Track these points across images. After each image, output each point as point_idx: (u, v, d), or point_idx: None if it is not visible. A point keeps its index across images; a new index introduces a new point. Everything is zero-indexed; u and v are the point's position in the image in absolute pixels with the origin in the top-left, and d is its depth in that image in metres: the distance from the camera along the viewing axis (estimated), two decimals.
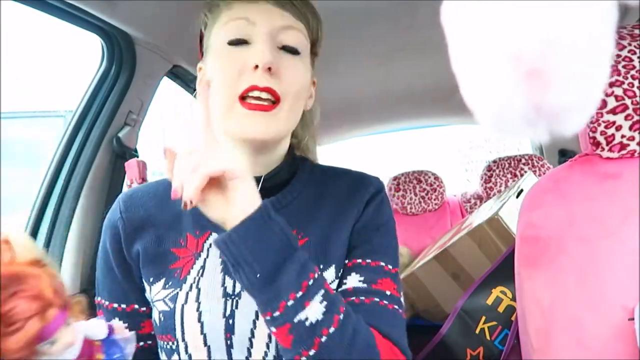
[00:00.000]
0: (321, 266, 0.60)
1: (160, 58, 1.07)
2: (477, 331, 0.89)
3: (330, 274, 0.60)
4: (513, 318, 0.86)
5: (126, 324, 0.60)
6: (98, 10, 0.83)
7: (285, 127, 0.59)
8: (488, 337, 0.88)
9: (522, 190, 1.20)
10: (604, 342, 0.56)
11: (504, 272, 0.89)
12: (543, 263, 0.62)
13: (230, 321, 0.57)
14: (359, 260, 0.60)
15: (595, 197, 0.62)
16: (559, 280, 0.60)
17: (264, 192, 0.58)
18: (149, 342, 0.64)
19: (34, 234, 0.96)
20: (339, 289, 0.60)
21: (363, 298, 0.57)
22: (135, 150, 1.06)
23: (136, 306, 0.63)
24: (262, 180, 0.62)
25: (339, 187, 0.66)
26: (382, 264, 0.60)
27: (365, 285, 0.58)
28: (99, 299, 0.64)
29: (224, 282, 0.59)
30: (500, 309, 0.88)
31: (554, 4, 0.17)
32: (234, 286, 0.59)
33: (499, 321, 0.88)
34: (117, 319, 0.62)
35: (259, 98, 0.56)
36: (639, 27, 0.64)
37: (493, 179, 2.12)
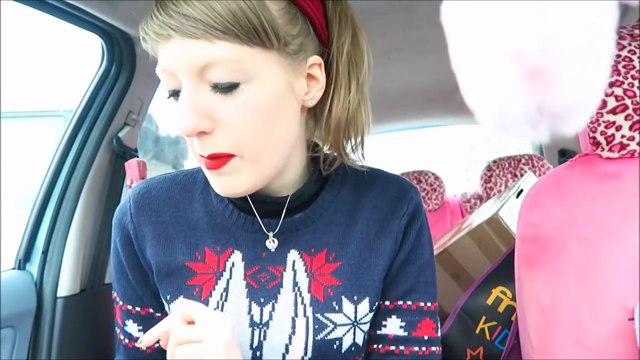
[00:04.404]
0: (355, 297, 0.56)
1: None
2: (477, 331, 0.89)
3: (364, 306, 0.57)
4: (513, 318, 0.86)
5: (140, 327, 0.60)
6: (98, 10, 0.83)
7: (258, 175, 0.48)
8: (488, 337, 0.88)
9: (522, 190, 1.20)
10: (604, 342, 0.56)
11: (504, 272, 0.89)
12: (543, 263, 0.62)
13: (258, 353, 0.54)
14: (400, 303, 0.59)
15: (595, 197, 0.62)
16: (559, 280, 0.60)
17: (291, 212, 0.56)
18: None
19: (34, 234, 0.96)
20: (378, 332, 0.60)
21: (403, 348, 0.58)
22: (136, 150, 1.07)
23: (151, 310, 0.60)
24: (287, 201, 0.55)
25: (374, 200, 0.59)
26: (422, 304, 0.60)
27: (405, 333, 0.59)
28: (114, 294, 0.61)
29: (250, 310, 0.55)
30: (500, 309, 0.88)
31: (554, 3, 0.17)
32: (261, 314, 0.55)
33: (499, 321, 0.88)
34: (131, 320, 0.60)
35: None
36: (639, 27, 0.64)
37: (493, 179, 2.12)
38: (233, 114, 0.45)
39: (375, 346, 0.60)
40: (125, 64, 0.99)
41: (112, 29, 0.92)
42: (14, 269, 0.96)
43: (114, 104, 0.99)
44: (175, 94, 0.48)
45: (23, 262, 0.95)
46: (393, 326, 0.59)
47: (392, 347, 0.59)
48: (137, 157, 1.04)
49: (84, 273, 0.97)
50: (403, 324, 0.59)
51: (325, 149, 0.58)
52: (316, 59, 0.52)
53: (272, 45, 0.46)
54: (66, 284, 0.94)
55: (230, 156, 0.46)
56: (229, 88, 0.45)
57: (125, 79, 0.99)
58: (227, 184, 0.48)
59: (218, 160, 0.46)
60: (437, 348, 0.60)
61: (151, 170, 1.03)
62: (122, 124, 1.02)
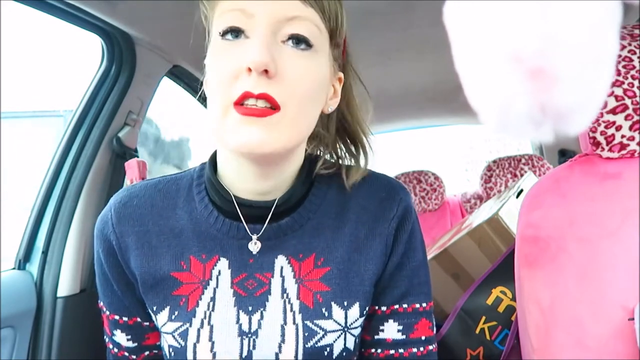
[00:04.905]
0: (345, 303, 0.56)
1: (160, 58, 1.07)
2: (477, 331, 0.89)
3: (354, 311, 0.56)
4: (513, 318, 0.86)
5: (129, 336, 0.59)
6: (98, 10, 0.83)
7: (289, 138, 0.48)
8: (488, 337, 0.88)
9: (522, 190, 1.20)
10: (604, 342, 0.56)
11: (504, 272, 0.89)
12: (543, 263, 0.62)
13: None
14: (396, 307, 0.59)
15: (595, 197, 0.62)
16: (559, 280, 0.60)
17: (278, 217, 0.55)
18: (155, 351, 0.62)
19: (34, 234, 0.96)
20: (376, 336, 0.59)
21: (402, 351, 0.59)
22: (136, 150, 1.07)
23: (139, 319, 0.59)
24: (274, 206, 0.54)
25: (362, 201, 0.58)
26: (418, 305, 0.60)
27: (404, 336, 0.59)
28: (101, 304, 0.60)
29: (238, 319, 0.55)
30: (500, 309, 0.88)
31: (554, 3, 0.17)
32: (250, 323, 0.55)
33: (499, 321, 0.88)
34: (119, 330, 0.59)
35: (255, 106, 0.46)
36: (639, 27, 0.64)
37: (493, 179, 2.12)
38: (298, 68, 0.48)
39: (373, 351, 0.60)
40: (125, 64, 0.99)
41: (112, 29, 0.92)
42: (14, 269, 0.96)
43: (114, 104, 0.99)
44: (234, 31, 0.48)
45: (23, 262, 0.95)
46: (391, 330, 0.59)
47: (392, 351, 0.59)
48: (137, 157, 1.04)
49: (84, 273, 0.97)
50: (400, 327, 0.59)
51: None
52: (341, 74, 0.57)
53: (334, 37, 0.52)
54: (66, 284, 0.94)
55: (276, 108, 0.47)
56: (304, 44, 0.48)
57: (125, 79, 0.99)
58: (259, 136, 0.46)
59: (263, 109, 0.46)
60: (434, 346, 0.61)
61: (156, 172, 1.03)
62: (122, 124, 1.02)
